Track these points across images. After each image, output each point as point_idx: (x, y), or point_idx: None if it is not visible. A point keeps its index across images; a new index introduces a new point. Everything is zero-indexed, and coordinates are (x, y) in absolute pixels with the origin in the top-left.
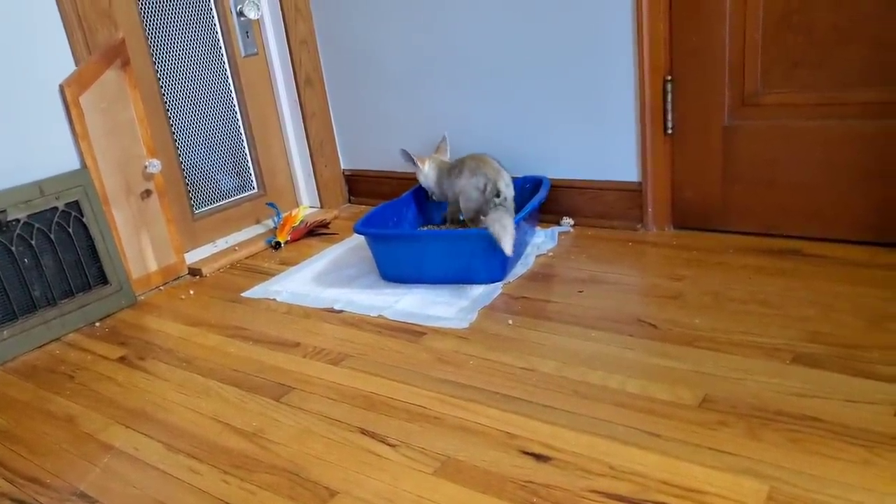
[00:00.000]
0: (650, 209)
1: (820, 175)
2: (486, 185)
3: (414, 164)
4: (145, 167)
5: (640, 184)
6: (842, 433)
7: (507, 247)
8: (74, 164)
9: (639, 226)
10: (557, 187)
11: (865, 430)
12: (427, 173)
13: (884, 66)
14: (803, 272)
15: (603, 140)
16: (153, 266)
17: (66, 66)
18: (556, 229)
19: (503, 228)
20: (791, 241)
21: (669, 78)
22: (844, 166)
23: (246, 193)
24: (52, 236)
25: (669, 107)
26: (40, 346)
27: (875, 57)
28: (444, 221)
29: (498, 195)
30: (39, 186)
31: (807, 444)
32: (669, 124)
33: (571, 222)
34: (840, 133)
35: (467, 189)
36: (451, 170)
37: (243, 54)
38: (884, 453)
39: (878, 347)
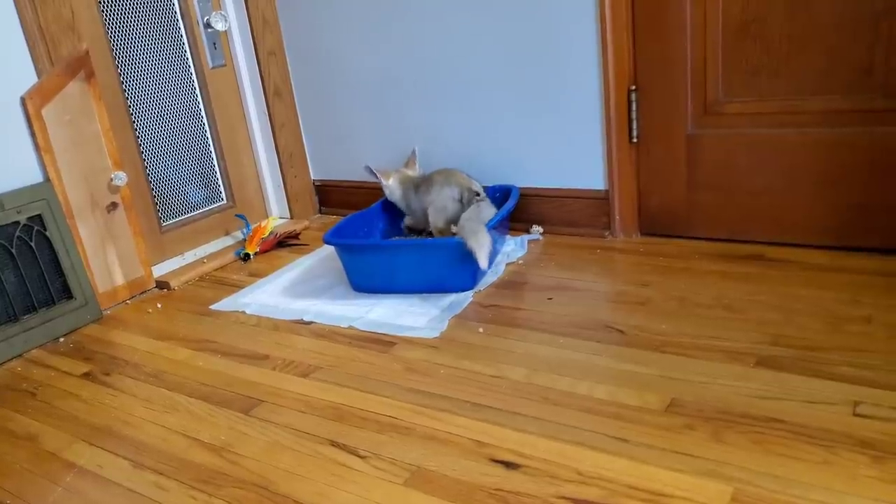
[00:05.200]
0: (617, 217)
1: (781, 182)
2: (461, 194)
3: (378, 179)
4: (111, 180)
5: (606, 192)
6: (803, 434)
7: (483, 261)
8: (37, 178)
9: (606, 233)
10: (526, 196)
11: (825, 430)
12: (392, 188)
13: (838, 75)
14: (766, 277)
15: (570, 149)
16: (120, 280)
17: (27, 78)
18: (526, 237)
19: (479, 244)
20: (754, 247)
21: (634, 87)
22: (804, 173)
23: (214, 205)
24: (13, 251)
25: (634, 116)
26: (1, 364)
27: (830, 66)
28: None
29: (478, 194)
30: (0, 200)
31: (769, 446)
32: (634, 133)
33: (541, 230)
34: (799, 140)
35: (440, 201)
36: (419, 185)
37: (211, 66)
38: (842, 452)
39: (836, 349)
